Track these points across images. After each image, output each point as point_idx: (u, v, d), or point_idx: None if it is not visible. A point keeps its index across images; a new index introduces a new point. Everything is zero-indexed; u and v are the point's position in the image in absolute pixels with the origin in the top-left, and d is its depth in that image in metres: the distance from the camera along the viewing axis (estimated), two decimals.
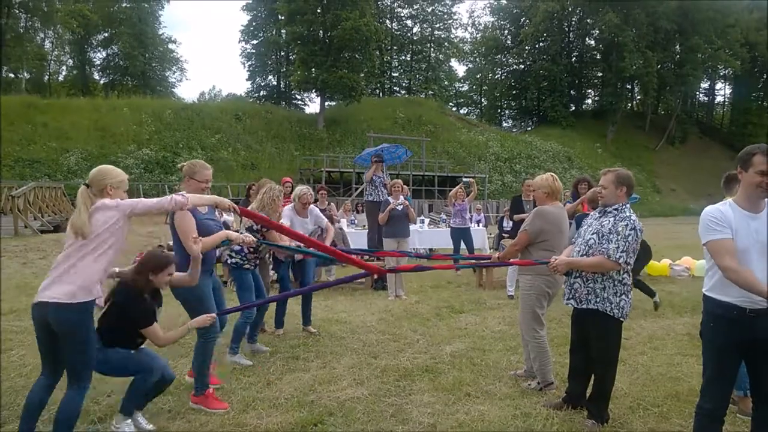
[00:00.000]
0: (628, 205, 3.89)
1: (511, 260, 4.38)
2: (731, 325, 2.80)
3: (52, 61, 51.35)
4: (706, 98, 70.30)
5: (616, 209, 3.82)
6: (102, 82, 52.62)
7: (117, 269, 3.60)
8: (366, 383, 4.56)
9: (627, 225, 3.69)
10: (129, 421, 3.54)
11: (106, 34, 50.31)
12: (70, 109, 34.17)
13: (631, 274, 3.91)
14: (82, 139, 31.66)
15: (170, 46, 55.69)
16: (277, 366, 4.98)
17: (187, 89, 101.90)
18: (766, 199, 2.85)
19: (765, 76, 60.58)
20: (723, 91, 70.78)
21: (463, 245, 10.25)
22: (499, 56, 62.73)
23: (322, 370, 4.87)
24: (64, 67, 53.68)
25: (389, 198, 8.57)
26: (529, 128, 60.81)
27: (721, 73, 63.98)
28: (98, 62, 52.60)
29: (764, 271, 2.73)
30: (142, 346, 3.64)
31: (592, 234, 3.83)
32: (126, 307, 3.44)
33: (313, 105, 56.31)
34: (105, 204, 3.16)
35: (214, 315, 3.91)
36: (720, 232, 2.80)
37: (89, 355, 3.15)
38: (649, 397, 4.33)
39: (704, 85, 66.00)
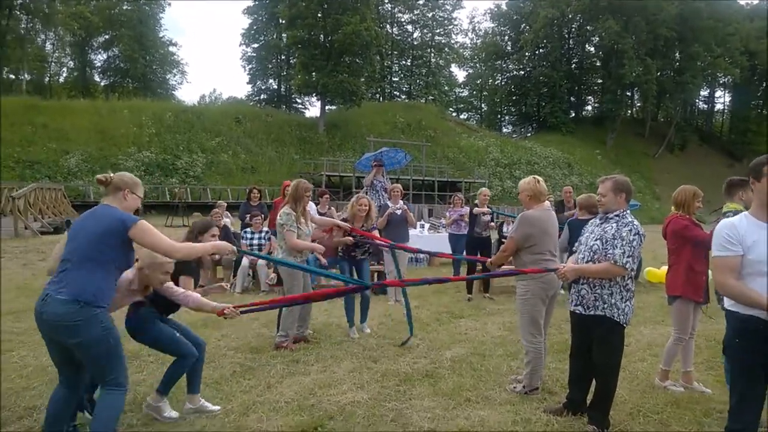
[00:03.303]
0: (629, 211, 3.91)
1: (524, 269, 4.37)
2: (757, 339, 2.71)
3: (53, 63, 51.57)
4: (705, 106, 70.52)
5: (617, 215, 3.85)
6: (102, 84, 52.77)
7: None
8: (366, 387, 4.55)
9: (631, 230, 3.72)
10: (166, 400, 3.85)
11: (106, 36, 50.45)
12: (70, 111, 34.23)
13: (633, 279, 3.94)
14: (82, 141, 31.70)
15: (171, 48, 55.95)
16: (277, 369, 4.97)
17: (188, 92, 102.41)
18: None
19: (764, 85, 60.70)
20: (722, 98, 71.08)
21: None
22: (499, 62, 62.92)
23: (322, 374, 4.87)
24: (64, 69, 53.94)
25: (388, 202, 8.59)
26: (529, 134, 60.90)
27: (721, 81, 64.15)
28: (99, 64, 52.82)
29: None
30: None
31: (596, 240, 3.84)
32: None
33: (313, 109, 56.50)
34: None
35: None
36: (728, 250, 2.77)
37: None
38: (649, 404, 4.33)
39: (704, 92, 66.21)
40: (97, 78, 53.30)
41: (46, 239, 14.80)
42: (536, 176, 4.67)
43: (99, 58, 52.54)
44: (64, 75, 53.73)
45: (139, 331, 3.73)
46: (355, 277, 6.34)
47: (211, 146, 35.62)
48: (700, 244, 4.62)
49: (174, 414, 3.85)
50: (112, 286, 3.07)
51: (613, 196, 3.85)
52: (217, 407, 4.00)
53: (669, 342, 4.83)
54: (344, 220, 6.56)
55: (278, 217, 5.68)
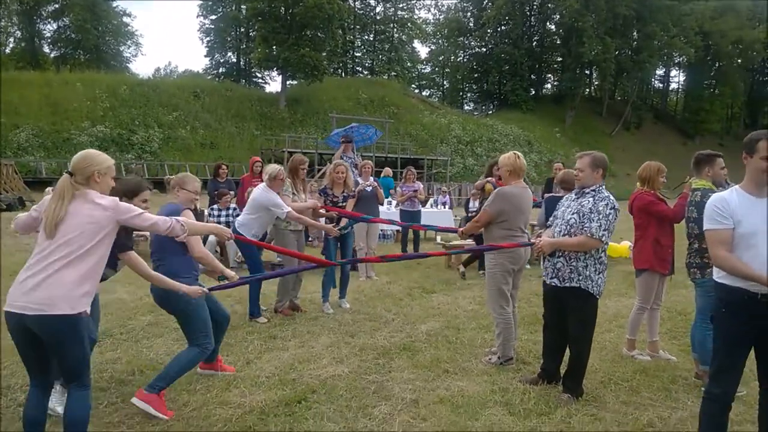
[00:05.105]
0: (604, 186, 4.02)
1: (501, 244, 4.47)
2: (743, 311, 2.82)
3: None
4: (660, 85, 72.18)
5: (593, 190, 3.96)
6: (52, 55, 50.38)
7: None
8: (346, 361, 4.60)
9: (607, 204, 3.84)
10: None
11: (56, 5, 48.02)
12: (18, 83, 32.64)
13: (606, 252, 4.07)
14: (32, 115, 30.36)
15: (125, 19, 53.75)
16: (255, 345, 4.96)
17: (142, 64, 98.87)
18: None
19: (717, 65, 62.44)
20: (677, 78, 72.81)
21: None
22: (461, 39, 62.84)
23: (300, 349, 4.89)
24: (11, 39, 51.15)
25: (359, 179, 8.57)
26: (491, 111, 61.33)
27: (676, 61, 65.59)
28: (48, 35, 50.34)
29: None
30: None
31: (573, 214, 3.95)
32: None
33: (274, 83, 55.52)
34: (98, 198, 2.87)
35: (204, 289, 3.67)
36: (720, 223, 2.85)
37: (86, 354, 2.90)
38: (618, 373, 4.51)
39: (659, 72, 67.68)
40: (46, 49, 50.93)
41: None
42: (516, 152, 4.74)
43: (48, 28, 50.16)
44: (11, 45, 51.09)
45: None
46: (339, 251, 6.69)
47: (168, 121, 34.61)
48: (666, 219, 4.80)
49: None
50: None
51: (591, 171, 3.95)
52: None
53: (632, 312, 5.03)
54: (323, 188, 6.64)
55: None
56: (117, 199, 2.96)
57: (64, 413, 2.98)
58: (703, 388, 4.06)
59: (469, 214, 11.62)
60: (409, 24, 61.49)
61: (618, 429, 3.53)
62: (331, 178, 6.55)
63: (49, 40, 50.59)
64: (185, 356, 3.75)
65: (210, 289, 3.79)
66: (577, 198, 4.03)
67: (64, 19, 47.88)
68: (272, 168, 6.02)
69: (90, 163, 2.91)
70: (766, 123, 63.35)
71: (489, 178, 8.08)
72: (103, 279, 3.29)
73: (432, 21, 67.05)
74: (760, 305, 2.78)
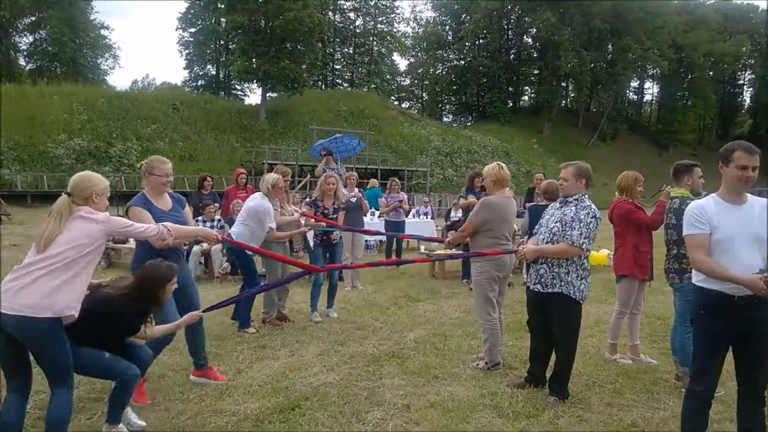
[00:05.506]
0: (587, 195, 4.18)
1: (485, 251, 4.59)
2: (720, 313, 2.98)
3: None
4: (635, 97, 73.63)
5: (576, 199, 4.11)
6: (28, 68, 49.72)
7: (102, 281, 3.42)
8: (336, 369, 4.67)
9: (588, 213, 3.99)
10: (120, 425, 3.34)
11: (33, 18, 47.50)
12: None
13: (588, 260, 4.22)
14: (8, 128, 29.92)
15: (102, 32, 53.33)
16: (245, 355, 5.01)
17: (120, 77, 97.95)
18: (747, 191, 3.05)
19: (690, 77, 63.99)
20: (651, 90, 74.36)
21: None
22: (440, 51, 63.55)
23: (291, 358, 4.95)
24: None
25: (344, 190, 8.66)
26: (469, 123, 61.93)
27: (650, 73, 67.05)
28: (24, 47, 49.70)
29: (749, 256, 2.92)
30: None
31: (556, 222, 4.09)
32: (119, 316, 3.20)
33: (253, 96, 55.43)
34: (92, 214, 3.00)
35: (199, 313, 3.77)
36: (698, 228, 3.01)
37: (67, 354, 2.96)
38: (602, 376, 4.65)
39: (634, 84, 69.17)
40: (22, 62, 50.25)
41: None
42: (500, 163, 4.89)
43: (24, 41, 49.52)
44: None
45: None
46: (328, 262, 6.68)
47: (147, 133, 34.31)
48: (644, 226, 4.98)
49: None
50: None
51: (575, 180, 4.11)
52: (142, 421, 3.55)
53: (613, 317, 5.19)
54: (314, 199, 6.72)
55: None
56: (108, 213, 3.11)
57: (46, 414, 3.01)
58: (683, 389, 4.22)
59: (448, 222, 11.82)
60: (388, 37, 62.01)
61: (604, 429, 3.65)
62: (322, 190, 6.60)
63: (25, 53, 49.94)
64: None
65: (205, 310, 3.85)
66: (561, 207, 4.18)
67: (41, 32, 47.36)
68: (271, 177, 6.08)
69: (88, 184, 3.09)
70: (737, 133, 65.04)
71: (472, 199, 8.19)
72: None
73: (411, 34, 67.74)
74: (736, 306, 2.93)
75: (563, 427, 3.66)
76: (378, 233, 6.87)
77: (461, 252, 6.04)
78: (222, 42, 54.44)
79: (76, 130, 31.66)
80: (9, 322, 2.81)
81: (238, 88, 56.65)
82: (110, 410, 3.32)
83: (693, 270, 3.15)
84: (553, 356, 4.27)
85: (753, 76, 69.60)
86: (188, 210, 4.24)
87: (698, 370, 3.12)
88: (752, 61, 67.45)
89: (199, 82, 56.07)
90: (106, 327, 3.19)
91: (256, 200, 5.81)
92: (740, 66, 69.10)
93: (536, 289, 4.20)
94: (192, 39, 54.78)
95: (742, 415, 3.15)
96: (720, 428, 3.67)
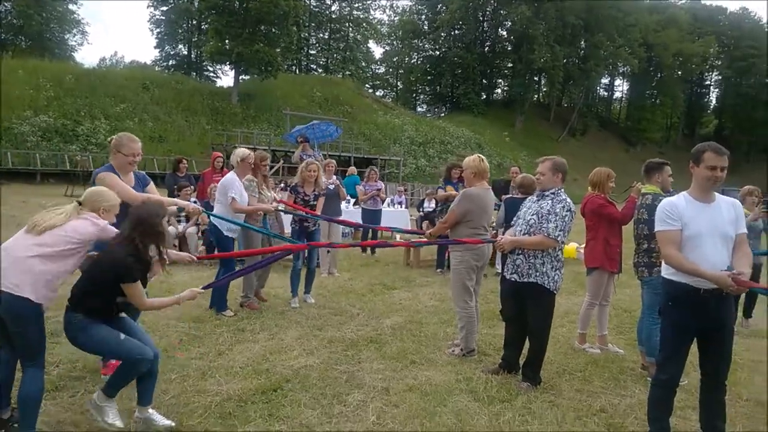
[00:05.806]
0: (563, 189, 4.34)
1: (465, 239, 4.71)
2: (687, 305, 3.14)
3: None
4: (605, 93, 75.14)
5: (553, 193, 4.27)
6: None
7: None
8: (316, 353, 4.76)
9: (564, 207, 4.15)
10: (113, 403, 3.27)
11: None
12: None
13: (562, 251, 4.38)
14: None
15: (71, 6, 51.78)
16: (225, 337, 5.06)
17: (88, 53, 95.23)
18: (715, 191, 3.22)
19: (659, 76, 65.43)
20: (621, 87, 75.94)
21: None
22: (415, 41, 63.70)
23: (270, 341, 5.02)
24: None
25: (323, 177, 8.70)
26: (443, 114, 62.32)
27: (621, 71, 68.49)
28: None
29: (716, 253, 3.09)
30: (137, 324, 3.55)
31: (533, 215, 4.25)
32: (114, 260, 3.12)
33: (226, 78, 54.65)
34: (94, 218, 3.21)
35: (200, 289, 3.64)
36: (669, 224, 3.17)
37: (42, 333, 3.08)
38: (572, 364, 4.84)
39: (605, 80, 70.54)
40: None
41: None
42: (480, 155, 5.01)
43: None
44: None
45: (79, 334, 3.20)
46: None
47: (116, 112, 33.58)
48: (615, 221, 5.17)
49: (118, 423, 3.23)
50: None
51: (551, 175, 4.26)
52: (169, 422, 3.38)
53: (582, 308, 5.39)
54: (294, 185, 6.72)
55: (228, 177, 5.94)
56: (107, 222, 3.28)
57: (18, 390, 3.08)
58: (649, 378, 4.44)
59: (422, 213, 12.00)
60: (364, 24, 61.76)
61: (574, 414, 3.83)
62: (303, 177, 6.59)
63: None
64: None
65: (205, 287, 3.85)
66: (538, 200, 4.33)
67: (5, 3, 45.72)
68: (241, 151, 6.19)
69: (100, 199, 3.34)
70: (703, 133, 66.98)
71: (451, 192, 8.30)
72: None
73: (387, 22, 67.62)
74: (702, 299, 3.11)
75: (536, 411, 3.82)
76: (358, 225, 6.89)
77: (442, 239, 6.14)
78: (195, 21, 53.53)
79: (42, 107, 30.81)
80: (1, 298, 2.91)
81: (210, 69, 55.93)
82: (108, 383, 3.28)
83: (663, 263, 3.32)
84: (527, 344, 4.43)
85: (719, 78, 71.58)
86: (152, 187, 4.24)
87: (664, 359, 3.29)
88: (719, 62, 69.38)
89: (170, 62, 55.14)
90: (115, 278, 3.12)
91: (227, 176, 5.96)
92: (707, 67, 71.08)
93: (513, 279, 4.35)
94: (164, 17, 53.68)
95: (705, 404, 3.35)
96: (683, 415, 3.88)
